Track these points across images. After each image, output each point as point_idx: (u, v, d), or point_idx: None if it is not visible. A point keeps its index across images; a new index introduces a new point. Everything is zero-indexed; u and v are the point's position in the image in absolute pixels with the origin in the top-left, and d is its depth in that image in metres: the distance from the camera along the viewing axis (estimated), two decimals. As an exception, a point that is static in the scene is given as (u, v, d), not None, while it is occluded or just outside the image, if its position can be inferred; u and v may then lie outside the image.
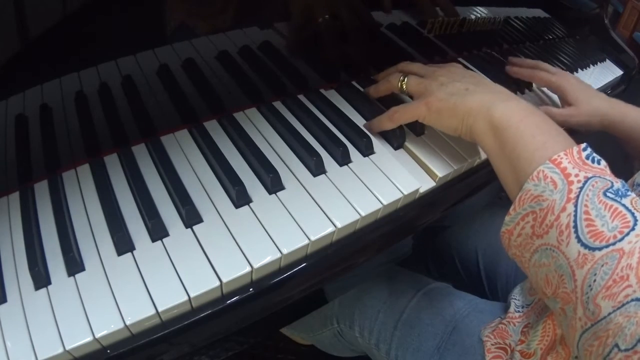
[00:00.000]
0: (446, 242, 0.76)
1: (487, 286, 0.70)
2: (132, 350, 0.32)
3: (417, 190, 0.44)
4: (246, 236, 0.37)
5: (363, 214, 0.40)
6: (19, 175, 0.40)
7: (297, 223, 0.38)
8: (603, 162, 0.34)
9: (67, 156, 0.41)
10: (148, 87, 0.44)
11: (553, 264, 0.32)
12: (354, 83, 0.56)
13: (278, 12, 0.49)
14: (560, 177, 0.32)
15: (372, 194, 0.42)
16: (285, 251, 0.36)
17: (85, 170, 0.41)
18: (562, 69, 0.76)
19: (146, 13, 0.41)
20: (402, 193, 0.43)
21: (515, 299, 0.55)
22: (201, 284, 0.34)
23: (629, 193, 0.31)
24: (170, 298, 0.33)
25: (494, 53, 0.75)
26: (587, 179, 0.32)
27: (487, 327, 0.53)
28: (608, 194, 0.31)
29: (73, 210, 0.38)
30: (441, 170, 0.46)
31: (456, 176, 0.49)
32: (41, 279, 0.33)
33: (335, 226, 0.39)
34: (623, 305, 0.27)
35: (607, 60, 0.94)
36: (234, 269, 0.35)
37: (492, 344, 0.50)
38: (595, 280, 0.29)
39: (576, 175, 0.32)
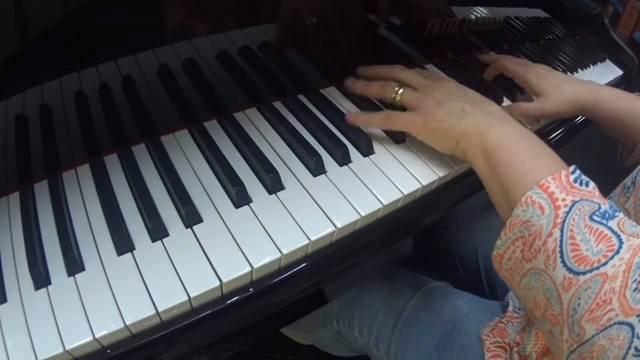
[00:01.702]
0: (446, 242, 0.76)
1: (486, 286, 0.70)
2: (132, 350, 0.32)
3: (417, 190, 0.44)
4: (246, 236, 0.37)
5: (363, 214, 0.40)
6: (19, 175, 0.40)
7: (297, 223, 0.38)
8: (592, 184, 0.34)
9: (67, 156, 0.41)
10: (148, 87, 0.44)
11: (541, 287, 0.33)
12: (354, 83, 0.56)
13: (278, 12, 0.49)
14: (548, 202, 0.33)
15: (372, 194, 0.42)
16: (285, 251, 0.36)
17: (85, 170, 0.41)
18: (562, 69, 0.76)
19: (146, 13, 0.41)
20: (402, 193, 0.43)
21: (512, 299, 0.55)
22: (201, 284, 0.34)
23: (617, 214, 0.32)
24: (170, 298, 0.33)
25: (494, 53, 0.75)
26: (574, 203, 0.32)
27: (487, 326, 0.53)
28: (594, 217, 0.31)
29: (73, 210, 0.38)
30: (441, 170, 0.46)
31: (456, 176, 0.49)
32: (41, 279, 0.33)
33: (335, 226, 0.39)
34: (606, 328, 0.28)
35: (607, 60, 0.94)
36: (234, 269, 0.35)
37: (492, 343, 0.50)
38: (579, 304, 0.29)
39: (563, 200, 0.33)
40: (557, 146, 0.64)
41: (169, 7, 0.42)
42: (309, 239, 0.38)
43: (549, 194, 0.33)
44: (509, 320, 0.52)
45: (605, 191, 0.56)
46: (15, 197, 0.39)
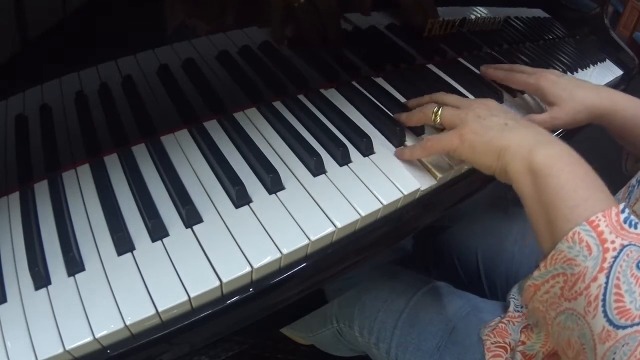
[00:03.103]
0: (446, 242, 0.76)
1: (486, 286, 0.70)
2: (132, 350, 0.32)
3: (417, 190, 0.44)
4: (246, 236, 0.37)
5: (363, 214, 0.40)
6: (19, 175, 0.40)
7: (297, 223, 0.38)
8: None
9: (67, 156, 0.41)
10: (148, 87, 0.44)
11: (577, 330, 0.32)
12: (354, 83, 0.56)
13: (277, 12, 0.49)
14: (596, 242, 0.31)
15: (372, 194, 0.42)
16: (285, 251, 0.36)
17: (85, 170, 0.41)
18: (562, 69, 0.76)
19: (146, 13, 0.41)
20: (402, 193, 0.43)
21: (514, 298, 0.55)
22: (201, 284, 0.34)
23: None
24: (170, 298, 0.33)
25: (494, 53, 0.75)
26: (622, 247, 0.30)
27: (487, 326, 0.53)
28: None
29: (73, 210, 0.38)
30: (441, 170, 0.46)
31: (456, 176, 0.49)
32: (41, 279, 0.33)
33: (335, 226, 0.39)
34: None
35: (607, 60, 0.94)
36: (234, 269, 0.35)
37: (492, 343, 0.50)
38: (614, 359, 0.28)
39: (612, 242, 0.31)
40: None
41: (169, 7, 0.42)
42: (309, 239, 0.38)
43: (598, 234, 0.31)
44: (509, 320, 0.52)
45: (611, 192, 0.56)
46: (15, 197, 0.39)
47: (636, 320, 0.28)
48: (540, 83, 0.56)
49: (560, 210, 0.34)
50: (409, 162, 0.47)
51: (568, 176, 0.35)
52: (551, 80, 0.55)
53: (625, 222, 0.32)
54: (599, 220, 0.31)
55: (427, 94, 0.55)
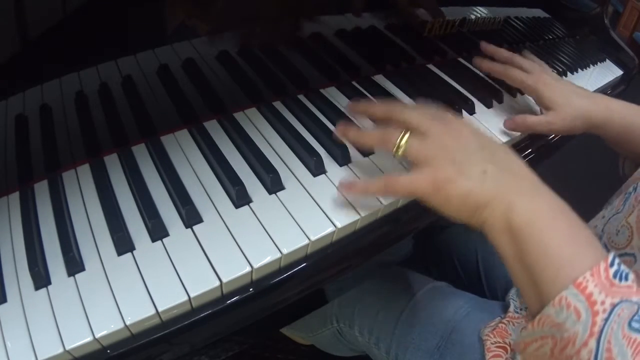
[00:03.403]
0: (446, 242, 0.76)
1: (486, 286, 0.70)
2: (132, 350, 0.32)
3: (417, 190, 0.44)
4: (246, 236, 0.37)
5: (363, 214, 0.40)
6: (19, 175, 0.40)
7: (297, 223, 0.38)
8: (631, 276, 0.31)
9: (67, 156, 0.41)
10: (148, 87, 0.44)
11: None
12: (354, 83, 0.56)
13: (278, 12, 0.49)
14: (585, 306, 0.29)
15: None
16: (285, 251, 0.36)
17: (85, 170, 0.41)
18: (562, 69, 0.76)
19: (146, 13, 0.41)
20: (402, 193, 0.43)
21: (514, 299, 0.55)
22: (201, 284, 0.34)
23: None
24: (170, 298, 0.33)
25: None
26: (613, 307, 0.29)
27: (487, 326, 0.53)
28: (633, 325, 0.28)
29: (73, 210, 0.38)
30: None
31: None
32: (41, 279, 0.33)
33: (335, 226, 0.39)
34: None
35: (607, 60, 0.94)
36: (234, 269, 0.35)
37: (492, 343, 0.50)
38: None
39: (602, 303, 0.29)
40: (553, 149, 0.64)
41: (169, 7, 0.42)
42: (309, 239, 0.38)
43: (587, 296, 0.29)
44: (509, 321, 0.52)
45: (606, 195, 0.56)
46: (15, 197, 0.39)
47: None
48: (537, 85, 0.53)
49: (546, 273, 0.32)
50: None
51: (551, 233, 0.33)
52: (549, 84, 0.53)
53: (615, 276, 0.30)
54: (587, 280, 0.30)
55: (427, 93, 0.53)
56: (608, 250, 0.46)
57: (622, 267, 0.31)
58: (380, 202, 0.42)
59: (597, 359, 0.28)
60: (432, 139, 0.38)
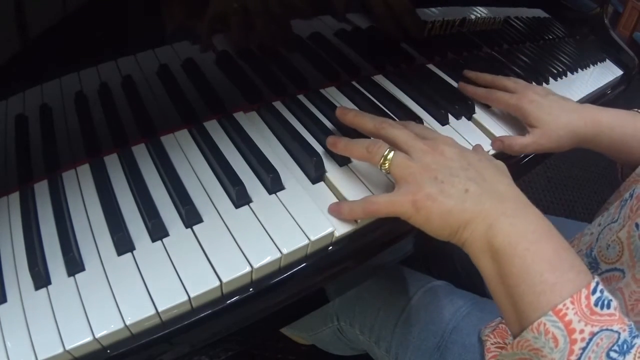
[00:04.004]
0: (446, 242, 0.76)
1: (487, 286, 0.70)
2: (132, 350, 0.32)
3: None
4: (246, 236, 0.37)
5: (363, 214, 0.40)
6: (19, 175, 0.40)
7: (297, 223, 0.38)
8: (614, 303, 0.30)
9: (67, 156, 0.41)
10: (148, 87, 0.44)
11: None
12: (354, 83, 0.56)
13: (278, 12, 0.49)
14: (563, 334, 0.29)
15: (373, 194, 0.42)
16: (285, 251, 0.36)
17: (85, 170, 0.41)
18: (562, 69, 0.76)
19: (146, 13, 0.41)
20: (402, 193, 0.43)
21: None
22: (201, 284, 0.34)
23: (636, 341, 0.29)
24: (170, 298, 0.33)
25: (494, 53, 0.75)
26: (592, 336, 0.29)
27: (487, 326, 0.53)
28: (611, 355, 0.28)
29: (73, 210, 0.38)
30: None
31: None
32: (41, 279, 0.33)
33: (335, 226, 0.39)
34: None
35: (607, 60, 0.94)
36: (234, 269, 0.35)
37: (492, 344, 0.50)
38: None
39: (581, 332, 0.29)
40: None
41: (169, 7, 0.42)
42: (309, 239, 0.38)
43: (566, 324, 0.29)
44: (509, 321, 0.52)
45: (605, 195, 0.56)
46: (15, 197, 0.39)
47: None
48: (521, 104, 0.52)
49: (526, 297, 0.32)
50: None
51: (534, 257, 0.32)
52: (534, 102, 0.52)
53: (596, 304, 0.30)
54: (567, 308, 0.29)
55: (427, 93, 0.53)
56: (598, 264, 0.46)
57: (605, 294, 0.31)
58: (380, 202, 0.41)
59: None
60: (416, 158, 0.38)
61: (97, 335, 0.30)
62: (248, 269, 0.35)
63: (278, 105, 0.50)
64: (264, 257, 0.36)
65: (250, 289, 0.36)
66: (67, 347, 0.30)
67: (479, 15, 0.70)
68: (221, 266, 0.35)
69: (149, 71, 0.44)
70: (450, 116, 0.55)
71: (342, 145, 0.42)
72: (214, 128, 0.46)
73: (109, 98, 0.43)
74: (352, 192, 0.42)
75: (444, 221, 0.36)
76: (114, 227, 0.36)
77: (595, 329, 0.29)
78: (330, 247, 0.40)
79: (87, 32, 0.38)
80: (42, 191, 0.39)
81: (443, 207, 0.35)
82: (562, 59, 0.82)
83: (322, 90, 0.54)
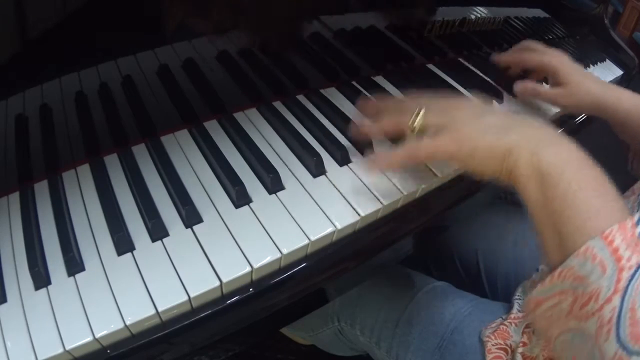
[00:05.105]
0: (446, 242, 0.76)
1: (487, 286, 0.70)
2: (132, 350, 0.32)
3: (417, 191, 0.44)
4: (246, 236, 0.37)
5: (363, 214, 0.40)
6: (19, 175, 0.40)
7: (297, 223, 0.38)
8: None
9: (67, 156, 0.41)
10: (148, 87, 0.44)
11: (586, 352, 0.29)
12: (354, 83, 0.56)
13: (278, 12, 0.49)
14: (611, 260, 0.28)
15: (372, 194, 0.42)
16: (285, 251, 0.36)
17: (85, 170, 0.41)
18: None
19: (146, 13, 0.41)
20: (402, 193, 0.43)
21: (519, 298, 0.55)
22: (201, 284, 0.34)
23: None
24: (170, 298, 0.33)
25: (494, 53, 0.75)
26: (639, 265, 0.28)
27: (488, 327, 0.53)
28: None
29: (73, 210, 0.38)
30: (441, 170, 0.46)
31: (456, 177, 0.49)
32: (41, 279, 0.33)
33: (335, 226, 0.39)
34: None
35: (607, 60, 0.94)
36: (234, 269, 0.35)
37: (493, 345, 0.50)
38: None
39: (628, 260, 0.28)
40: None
41: (169, 6, 0.42)
42: (309, 239, 0.37)
43: (613, 250, 0.28)
44: (511, 322, 0.52)
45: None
46: (15, 197, 0.39)
47: None
48: (554, 62, 0.56)
49: (572, 221, 0.31)
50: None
51: (580, 183, 0.32)
52: (564, 62, 0.56)
53: None
54: (614, 234, 0.29)
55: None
56: None
57: None
58: (381, 202, 0.42)
59: (620, 317, 0.27)
60: (447, 110, 0.39)
61: (97, 335, 0.30)
62: (248, 269, 0.35)
63: (278, 105, 0.50)
64: (264, 257, 0.36)
65: (250, 289, 0.36)
66: (67, 347, 0.30)
67: (479, 15, 0.70)
68: (221, 266, 0.35)
69: (149, 71, 0.44)
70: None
71: (367, 127, 0.43)
72: (214, 128, 0.46)
73: (109, 98, 0.43)
74: (352, 192, 0.42)
75: (488, 152, 0.36)
76: (114, 227, 0.36)
77: None
78: (330, 247, 0.40)
79: (87, 32, 0.38)
80: (42, 191, 0.39)
81: (485, 141, 0.36)
82: (562, 59, 0.82)
83: (322, 91, 0.54)
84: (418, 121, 0.39)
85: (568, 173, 0.33)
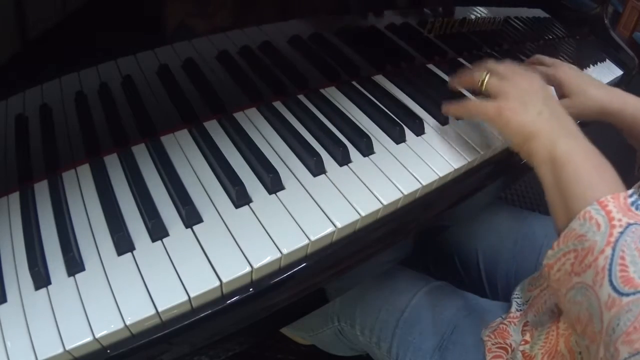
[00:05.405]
0: (446, 242, 0.76)
1: (487, 286, 0.70)
2: (132, 350, 0.32)
3: (417, 191, 0.44)
4: (246, 236, 0.37)
5: (363, 214, 0.40)
6: (19, 175, 0.40)
7: (297, 223, 0.38)
8: None
9: (67, 156, 0.41)
10: (148, 87, 0.44)
11: (586, 302, 0.34)
12: (354, 82, 0.56)
13: (278, 12, 0.49)
14: (605, 220, 0.34)
15: (372, 194, 0.42)
16: (285, 251, 0.36)
17: (85, 170, 0.41)
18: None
19: (146, 13, 0.41)
20: (402, 193, 0.43)
21: (518, 297, 0.55)
22: (201, 284, 0.34)
23: None
24: (170, 298, 0.33)
25: (494, 53, 0.75)
26: (628, 225, 0.33)
27: (488, 327, 0.53)
28: None
29: (73, 210, 0.38)
30: (441, 170, 0.46)
31: (456, 177, 0.49)
32: (41, 279, 0.33)
33: (335, 226, 0.39)
34: (638, 352, 0.28)
35: (607, 60, 0.94)
36: (234, 269, 0.35)
37: (493, 344, 0.50)
38: (618, 325, 0.30)
39: (619, 220, 0.33)
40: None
41: (169, 6, 0.42)
42: (309, 239, 0.37)
43: (607, 212, 0.34)
44: (510, 321, 0.52)
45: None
46: (15, 197, 0.39)
47: (639, 288, 0.30)
48: (558, 75, 0.60)
49: (575, 191, 0.38)
50: (408, 162, 0.47)
51: (584, 165, 0.39)
52: (569, 74, 0.60)
53: (632, 205, 0.35)
54: (608, 201, 0.34)
55: (427, 93, 0.55)
56: None
57: (639, 201, 0.35)
58: (381, 203, 0.42)
59: (612, 264, 0.32)
60: (510, 80, 0.47)
61: (97, 335, 0.30)
62: (248, 269, 0.35)
63: (278, 105, 0.50)
64: (264, 257, 0.36)
65: (250, 289, 0.36)
66: (67, 347, 0.30)
67: (479, 15, 0.70)
68: (221, 266, 0.35)
69: (149, 71, 0.44)
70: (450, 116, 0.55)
71: (455, 80, 0.54)
72: (214, 128, 0.46)
73: (109, 98, 0.43)
74: (352, 191, 0.42)
75: (519, 128, 0.44)
76: (114, 227, 0.36)
77: (631, 221, 0.33)
78: (330, 247, 0.40)
79: (87, 32, 0.38)
80: (42, 191, 0.39)
81: (520, 118, 0.44)
82: (562, 59, 0.82)
83: (322, 90, 0.54)
84: (484, 82, 0.48)
85: (576, 158, 0.40)
